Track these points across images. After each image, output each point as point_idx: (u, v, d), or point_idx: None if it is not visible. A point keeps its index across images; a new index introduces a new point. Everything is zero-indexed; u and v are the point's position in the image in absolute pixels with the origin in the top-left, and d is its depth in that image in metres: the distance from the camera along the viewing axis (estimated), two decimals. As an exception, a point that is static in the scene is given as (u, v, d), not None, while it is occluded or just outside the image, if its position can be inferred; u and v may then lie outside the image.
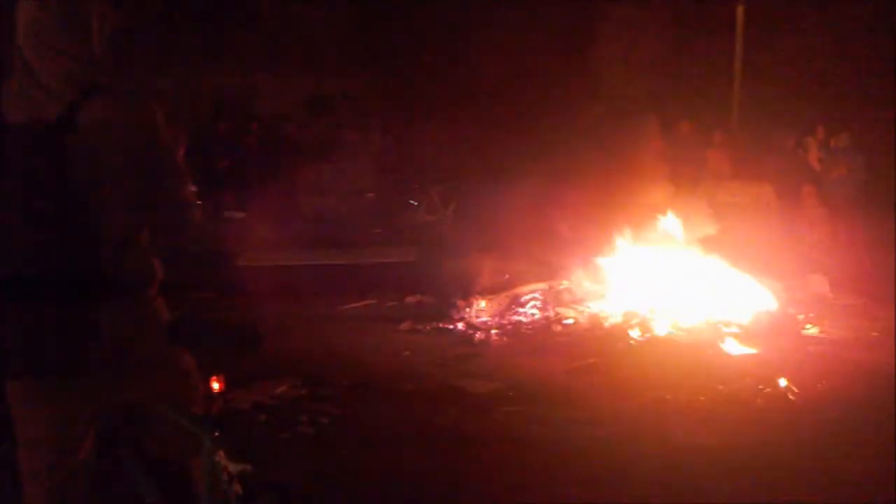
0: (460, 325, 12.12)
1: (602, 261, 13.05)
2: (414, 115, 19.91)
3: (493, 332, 11.78)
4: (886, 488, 6.90)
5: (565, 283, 12.95)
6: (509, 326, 12.00)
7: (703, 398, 9.15)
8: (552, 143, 14.13)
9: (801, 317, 12.62)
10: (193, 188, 4.06)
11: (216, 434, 3.98)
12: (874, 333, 12.26)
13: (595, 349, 10.79)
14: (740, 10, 24.18)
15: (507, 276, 13.44)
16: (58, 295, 3.72)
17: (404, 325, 12.20)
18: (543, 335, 11.62)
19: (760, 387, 9.40)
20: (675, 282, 12.45)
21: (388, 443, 8.03)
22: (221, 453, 3.97)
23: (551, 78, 16.82)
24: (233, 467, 3.97)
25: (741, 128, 22.91)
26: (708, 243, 13.25)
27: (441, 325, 12.18)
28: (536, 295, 12.70)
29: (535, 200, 14.21)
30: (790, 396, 9.24)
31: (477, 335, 11.67)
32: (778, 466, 7.41)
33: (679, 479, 7.12)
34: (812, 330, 12.26)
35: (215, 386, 4.26)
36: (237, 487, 3.95)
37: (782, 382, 9.50)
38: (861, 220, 17.59)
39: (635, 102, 18.56)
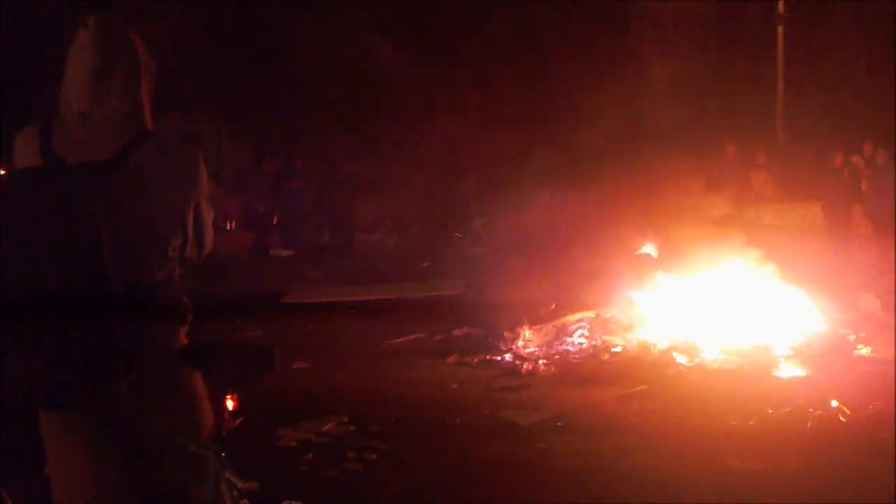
0: (507, 357, 12.08)
1: (648, 287, 12.97)
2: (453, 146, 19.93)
3: (540, 362, 11.73)
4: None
5: (612, 311, 12.86)
6: (557, 356, 11.95)
7: (752, 423, 9.06)
8: (598, 169, 14.08)
9: (852, 337, 12.52)
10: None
11: (223, 454, 3.99)
12: (927, 352, 12.13)
13: (643, 376, 10.73)
14: (780, 29, 24.13)
15: (553, 305, 13.38)
16: (91, 323, 3.80)
17: (451, 359, 12.17)
18: (591, 364, 11.57)
19: (811, 409, 9.31)
20: (724, 305, 12.37)
21: (436, 477, 8.00)
22: (229, 473, 3.98)
23: (594, 105, 16.77)
24: (241, 485, 3.98)
25: (786, 148, 22.81)
26: (757, 265, 13.14)
27: (488, 356, 12.14)
28: (583, 324, 12.63)
29: (579, 227, 14.16)
30: (841, 418, 9.14)
31: (524, 366, 11.63)
32: (830, 490, 7.31)
33: (732, 504, 7.06)
34: (863, 350, 12.16)
35: (229, 405, 4.27)
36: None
37: (833, 404, 9.40)
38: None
39: (680, 125, 18.49)
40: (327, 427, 9.16)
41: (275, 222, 23.29)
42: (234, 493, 4.02)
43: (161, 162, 3.92)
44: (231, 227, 23.15)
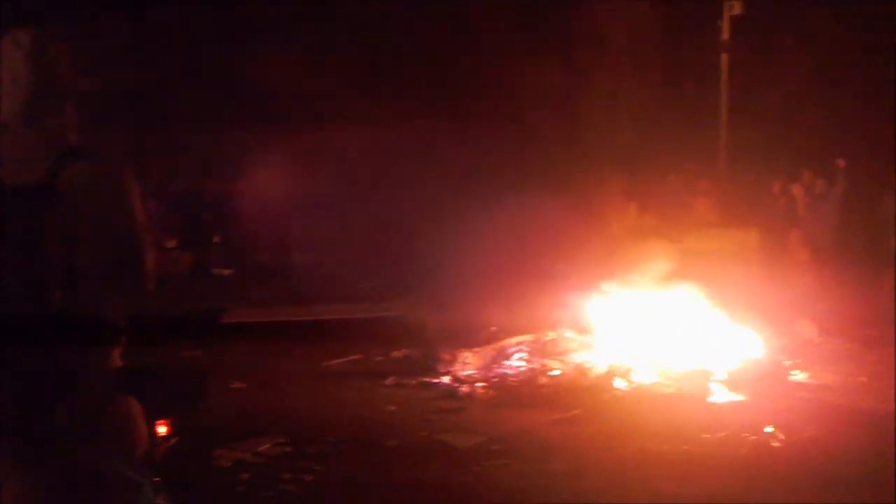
0: (446, 379, 12.06)
1: (588, 311, 13.02)
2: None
3: (478, 385, 11.73)
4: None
5: (551, 335, 12.89)
6: (495, 379, 11.94)
7: (687, 447, 9.11)
8: (536, 194, 14.13)
9: (788, 363, 12.61)
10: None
11: (156, 479, 3.95)
12: (862, 378, 12.26)
13: (580, 400, 10.76)
14: (724, 57, 24.35)
15: (493, 328, 13.40)
16: (27, 345, 3.78)
17: (390, 380, 12.14)
18: (529, 387, 11.55)
19: (746, 435, 9.38)
20: (661, 330, 12.43)
21: (372, 499, 7.99)
22: (163, 500, 3.94)
23: (535, 128, 16.84)
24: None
25: (727, 175, 22.99)
26: (694, 291, 13.20)
27: (427, 379, 12.12)
28: (522, 347, 12.63)
29: (518, 252, 14.19)
30: (775, 444, 9.20)
31: (462, 388, 11.63)
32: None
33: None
34: (799, 376, 12.26)
35: (161, 430, 4.24)
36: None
37: (768, 430, 9.47)
38: (846, 264, 17.62)
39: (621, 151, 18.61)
40: (263, 448, 9.13)
41: (216, 241, 23.15)
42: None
43: (93, 179, 3.87)
44: (171, 245, 22.97)
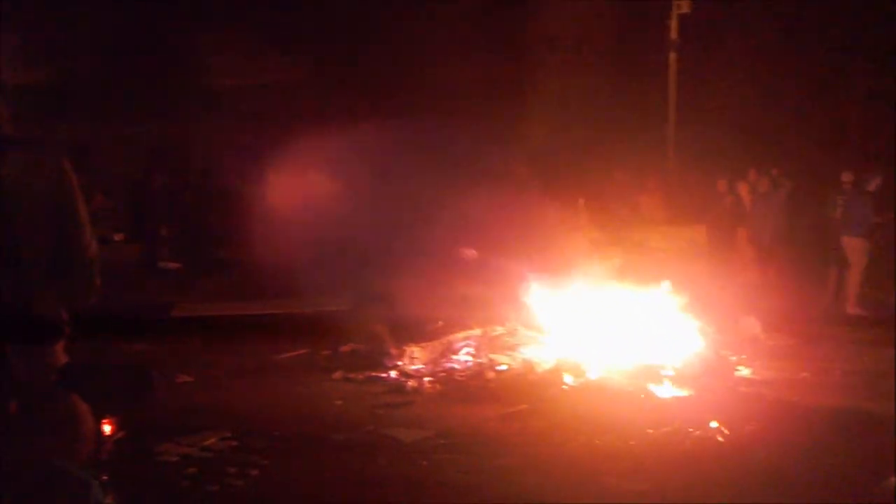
0: (393, 374, 12.08)
1: (536, 305, 13.04)
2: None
3: (425, 379, 11.74)
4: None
5: (499, 329, 12.92)
6: (442, 374, 11.95)
7: (633, 442, 9.16)
8: (482, 188, 14.14)
9: (733, 358, 12.69)
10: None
11: (104, 478, 3.94)
12: (805, 373, 12.41)
13: (527, 395, 10.77)
14: (673, 56, 24.49)
15: (440, 322, 13.41)
16: None
17: (337, 375, 12.15)
18: (476, 382, 11.57)
19: (690, 430, 9.43)
20: (609, 325, 12.48)
21: (318, 493, 7.98)
22: (110, 499, 3.93)
23: (485, 124, 16.88)
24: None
25: (676, 172, 23.14)
26: (641, 286, 13.27)
27: (374, 373, 12.13)
28: (470, 342, 12.66)
29: (467, 247, 14.21)
30: (719, 438, 9.28)
31: (409, 383, 11.64)
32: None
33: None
34: (744, 371, 12.36)
35: (106, 430, 4.22)
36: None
37: (713, 425, 9.54)
38: (790, 261, 17.82)
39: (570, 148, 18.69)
40: (209, 442, 9.09)
41: (164, 234, 23.03)
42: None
43: (29, 170, 3.85)
44: (119, 239, 22.83)
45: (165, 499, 7.86)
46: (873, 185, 17.75)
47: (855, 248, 17.49)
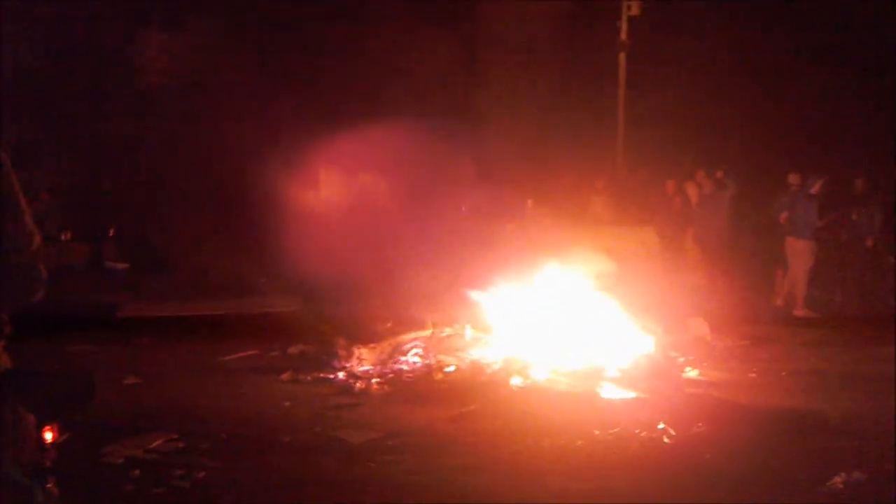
0: (342, 375, 12.06)
1: (484, 308, 13.05)
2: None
3: (374, 381, 11.74)
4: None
5: (448, 331, 12.93)
6: (391, 375, 11.95)
7: (580, 443, 9.18)
8: (433, 190, 14.17)
9: (680, 360, 12.76)
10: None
11: (48, 486, 3.90)
12: (752, 375, 12.52)
13: (475, 396, 10.78)
14: (622, 56, 24.59)
15: (389, 323, 13.40)
16: None
17: (285, 376, 12.10)
18: (424, 383, 11.58)
19: (637, 431, 9.46)
20: (557, 326, 12.51)
21: (265, 495, 7.95)
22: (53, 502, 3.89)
23: (433, 125, 16.86)
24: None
25: (625, 173, 23.22)
26: (591, 288, 13.31)
27: (322, 374, 12.11)
28: (418, 342, 12.66)
29: (416, 248, 14.21)
30: (666, 440, 9.31)
31: (358, 384, 11.63)
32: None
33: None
34: (692, 373, 12.43)
35: (48, 437, 4.18)
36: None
37: (660, 425, 9.57)
38: (737, 263, 17.93)
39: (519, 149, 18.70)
40: (155, 444, 9.03)
41: (111, 234, 22.88)
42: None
43: None
44: (65, 237, 22.66)
45: (109, 502, 7.80)
46: (816, 187, 17.88)
47: (800, 249, 17.62)
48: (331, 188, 16.56)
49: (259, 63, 22.66)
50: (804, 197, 17.73)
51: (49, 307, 4.17)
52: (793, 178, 17.92)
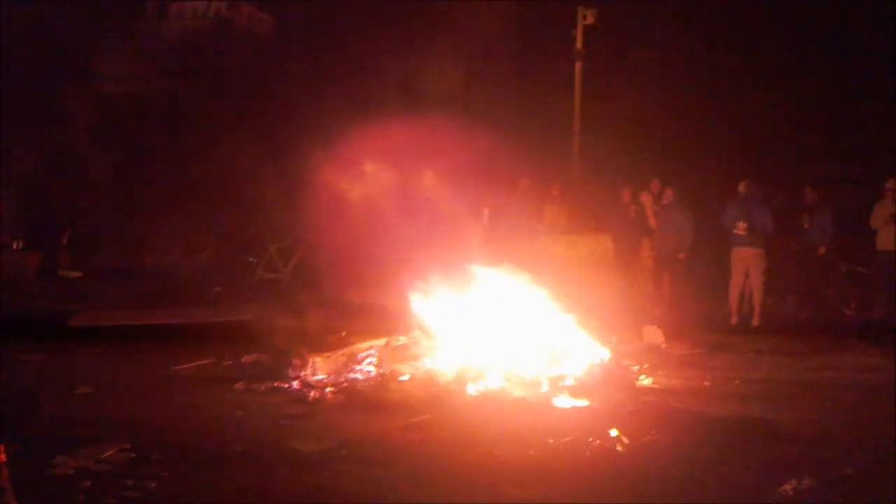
0: (296, 384, 12.04)
1: (438, 316, 13.04)
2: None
3: (328, 390, 11.71)
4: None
5: (402, 339, 12.90)
6: (345, 384, 11.92)
7: (533, 452, 9.19)
8: (384, 198, 14.14)
9: (635, 368, 12.79)
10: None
11: None
12: (706, 383, 12.57)
13: (430, 406, 10.78)
14: (578, 65, 24.65)
15: (344, 332, 13.40)
16: None
17: (239, 385, 12.08)
18: (379, 393, 11.54)
19: (590, 439, 9.47)
20: (511, 335, 12.52)
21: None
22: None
23: (385, 131, 16.87)
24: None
25: (581, 181, 23.27)
26: (544, 295, 13.32)
27: (276, 384, 12.08)
28: (373, 352, 12.64)
29: (369, 256, 14.21)
30: (619, 448, 9.33)
31: (312, 394, 11.61)
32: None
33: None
34: (646, 381, 12.47)
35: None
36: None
37: (613, 433, 9.59)
38: (692, 272, 18.00)
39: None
40: (107, 454, 8.94)
41: (64, 242, 22.76)
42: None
43: None
44: (18, 246, 22.54)
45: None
46: (751, 191, 17.86)
47: (752, 257, 17.65)
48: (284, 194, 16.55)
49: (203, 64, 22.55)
50: (755, 205, 17.76)
51: (0, 316, 4.15)
52: (742, 188, 17.95)
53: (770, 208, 17.90)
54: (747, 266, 17.56)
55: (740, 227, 17.53)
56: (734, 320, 17.62)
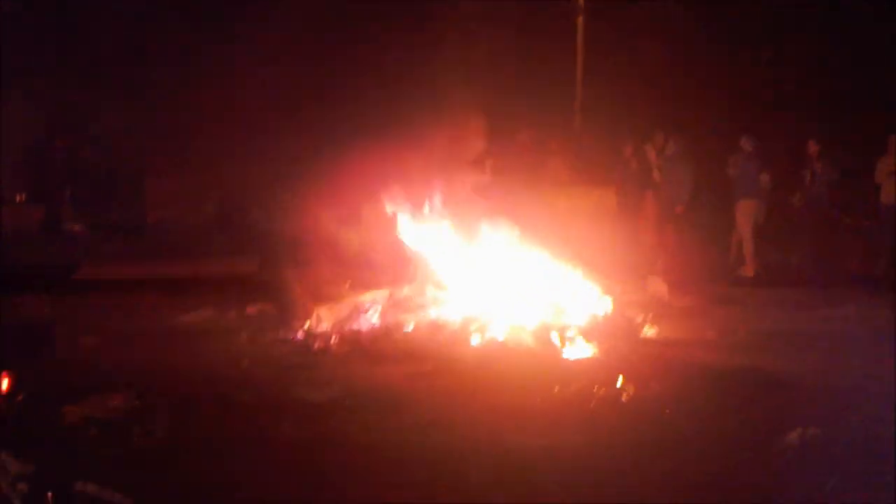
0: (300, 335, 12.06)
1: (443, 267, 13.04)
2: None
3: (332, 340, 11.72)
4: (711, 487, 7.03)
5: (406, 290, 12.91)
6: (349, 335, 11.94)
7: (538, 401, 9.21)
8: (390, 150, 14.07)
9: (639, 319, 12.77)
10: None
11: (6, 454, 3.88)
12: (709, 334, 12.55)
13: (434, 355, 10.82)
14: (580, 20, 24.53)
15: (348, 283, 13.39)
16: None
17: (244, 336, 12.10)
18: (383, 343, 11.57)
19: (595, 389, 9.49)
20: (515, 285, 12.53)
21: (223, 454, 7.92)
22: (4, 454, 3.88)
23: (386, 83, 16.81)
24: (16, 467, 3.88)
25: (582, 134, 23.21)
26: (549, 247, 13.31)
27: (281, 335, 12.11)
28: (377, 302, 12.64)
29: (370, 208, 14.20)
30: (623, 397, 9.35)
31: (316, 344, 11.64)
32: (607, 466, 7.48)
33: (512, 479, 7.15)
34: (649, 332, 12.46)
35: (3, 385, 4.17)
36: (22, 486, 3.86)
37: (617, 384, 9.61)
38: (696, 224, 17.98)
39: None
40: (114, 403, 8.98)
41: (67, 196, 22.71)
42: (10, 475, 3.91)
43: None
44: (21, 199, 22.51)
45: (68, 462, 7.75)
46: (753, 144, 17.95)
47: (745, 208, 17.74)
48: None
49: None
50: (750, 157, 17.84)
51: (4, 269, 4.14)
52: (744, 142, 18.02)
53: (757, 157, 17.95)
54: (740, 216, 17.73)
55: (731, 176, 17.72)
56: (742, 272, 17.68)
